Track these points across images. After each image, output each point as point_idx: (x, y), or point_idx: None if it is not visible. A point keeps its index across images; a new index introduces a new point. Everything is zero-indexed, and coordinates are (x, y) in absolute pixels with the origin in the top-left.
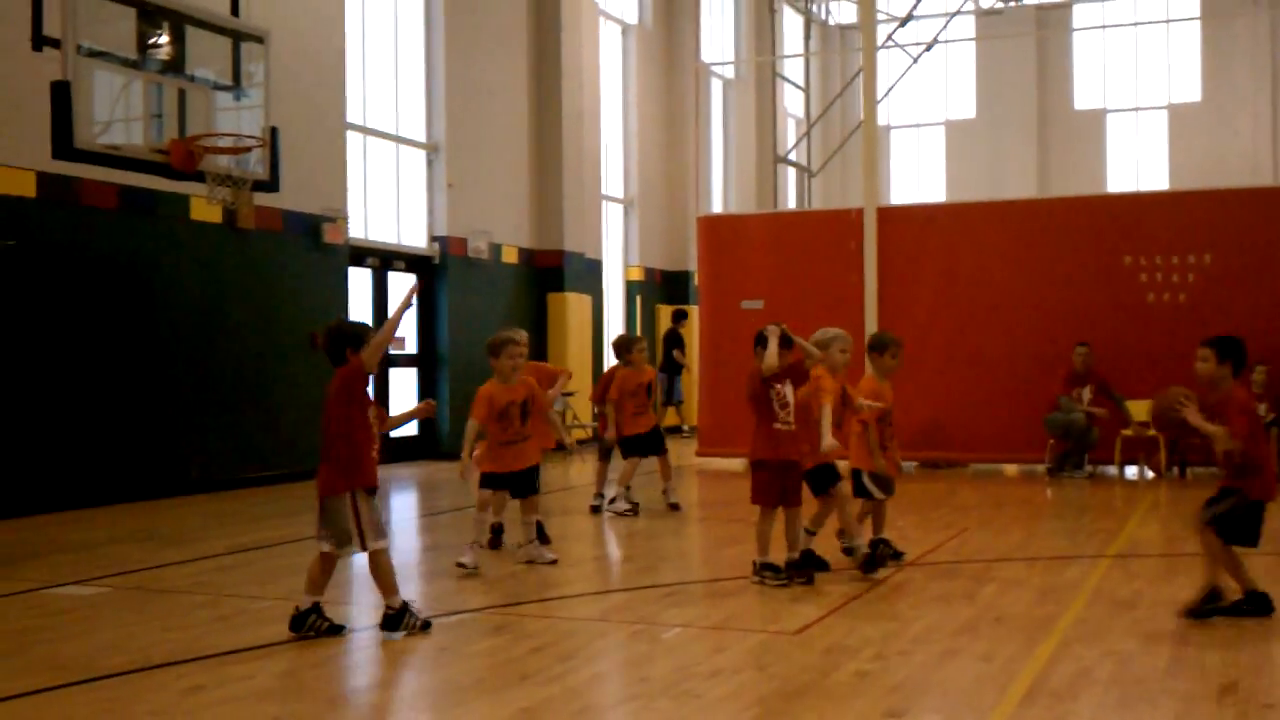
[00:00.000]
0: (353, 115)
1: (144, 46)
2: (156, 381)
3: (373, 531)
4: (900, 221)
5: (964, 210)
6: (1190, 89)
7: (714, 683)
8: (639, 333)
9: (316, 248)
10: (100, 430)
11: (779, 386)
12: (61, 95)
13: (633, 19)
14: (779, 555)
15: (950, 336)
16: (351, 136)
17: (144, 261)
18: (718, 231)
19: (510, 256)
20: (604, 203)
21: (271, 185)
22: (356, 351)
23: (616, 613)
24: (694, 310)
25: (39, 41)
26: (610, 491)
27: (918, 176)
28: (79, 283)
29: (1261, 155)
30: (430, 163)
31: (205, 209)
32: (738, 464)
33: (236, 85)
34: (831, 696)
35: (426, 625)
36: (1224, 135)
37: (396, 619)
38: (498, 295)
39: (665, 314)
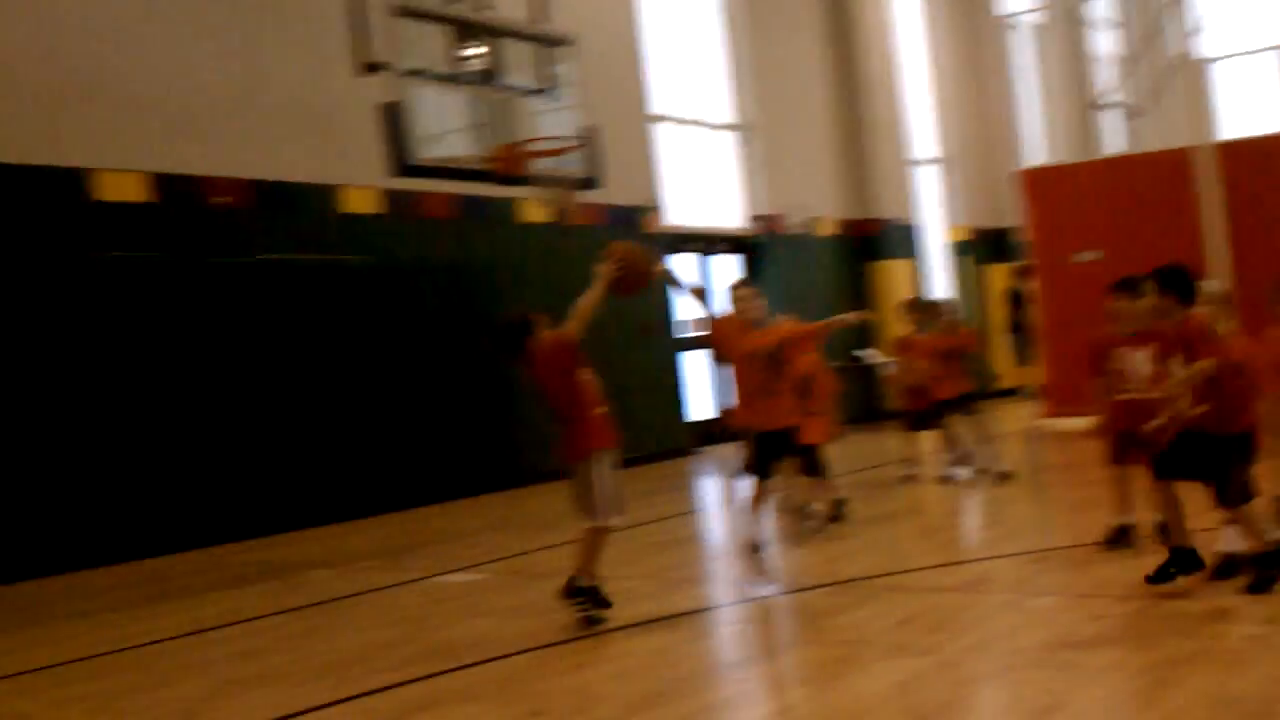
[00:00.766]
0: (660, 104)
1: (459, 60)
2: (504, 378)
3: (606, 506)
4: (1244, 155)
5: None
6: None
7: (1093, 653)
8: (968, 292)
9: (639, 238)
10: (462, 426)
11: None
12: (393, 116)
13: None
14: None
15: None
16: (663, 126)
17: (482, 266)
18: (1041, 184)
19: (827, 229)
20: (916, 165)
21: (593, 183)
22: (531, 336)
23: (981, 583)
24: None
25: (366, 67)
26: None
27: (1262, 106)
28: (426, 290)
29: None
30: (741, 143)
31: (533, 210)
32: (1083, 425)
33: (549, 89)
34: (1224, 662)
35: (591, 620)
36: None
37: (577, 593)
38: (817, 269)
39: (992, 273)
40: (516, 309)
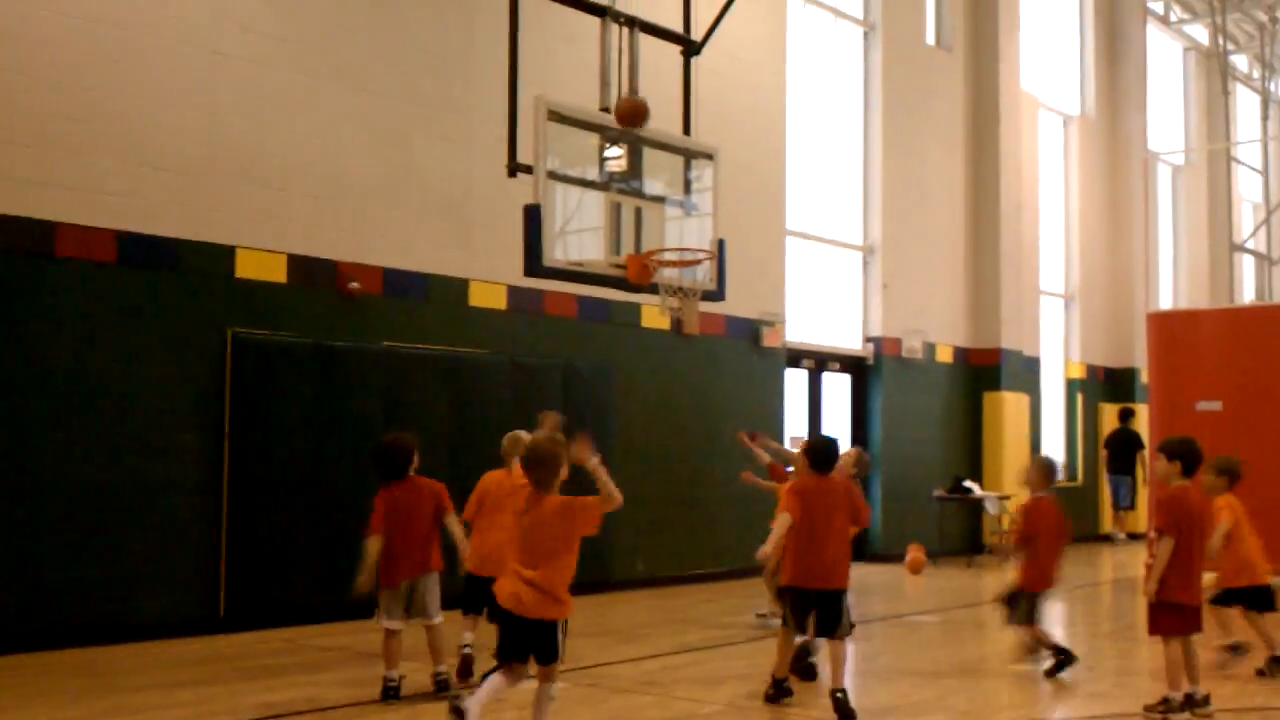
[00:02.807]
0: (793, 220)
1: (602, 164)
2: (613, 478)
3: None
4: None
5: None
6: None
7: None
8: (1080, 433)
9: (755, 351)
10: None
11: None
12: (533, 218)
13: (1074, 109)
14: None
15: None
16: (791, 241)
17: (601, 366)
18: (1170, 328)
19: (945, 355)
20: (1042, 298)
21: (718, 295)
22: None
23: None
24: (1141, 409)
25: (513, 169)
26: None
27: None
28: (542, 387)
29: None
30: (866, 264)
31: (655, 316)
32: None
33: (686, 199)
34: None
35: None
36: None
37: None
38: (932, 395)
39: (1108, 413)
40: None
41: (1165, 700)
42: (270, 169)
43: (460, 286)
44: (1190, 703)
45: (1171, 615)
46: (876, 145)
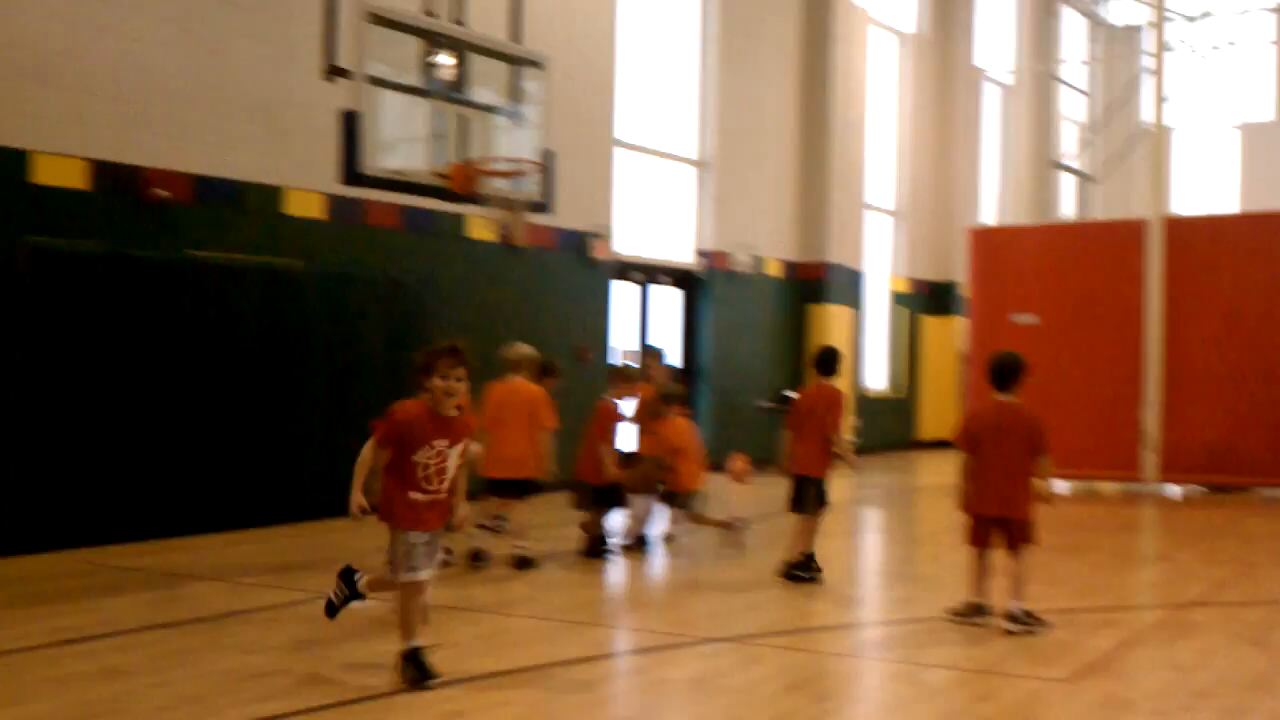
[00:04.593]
0: (624, 132)
1: (426, 70)
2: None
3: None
4: (1187, 232)
5: (1258, 221)
6: None
7: None
8: (903, 343)
9: (584, 263)
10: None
11: None
12: (351, 124)
13: (908, 28)
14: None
15: (1240, 353)
16: (620, 153)
17: (422, 279)
18: (990, 243)
19: (773, 269)
20: (870, 213)
21: (545, 207)
22: None
23: (876, 649)
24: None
25: (330, 71)
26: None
27: (1208, 184)
28: (363, 300)
29: None
30: (699, 178)
31: (481, 228)
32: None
33: (513, 108)
34: None
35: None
36: None
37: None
38: (759, 308)
39: (931, 325)
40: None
41: (965, 605)
42: (71, 69)
43: (275, 195)
44: (977, 611)
45: (970, 526)
46: (713, 60)
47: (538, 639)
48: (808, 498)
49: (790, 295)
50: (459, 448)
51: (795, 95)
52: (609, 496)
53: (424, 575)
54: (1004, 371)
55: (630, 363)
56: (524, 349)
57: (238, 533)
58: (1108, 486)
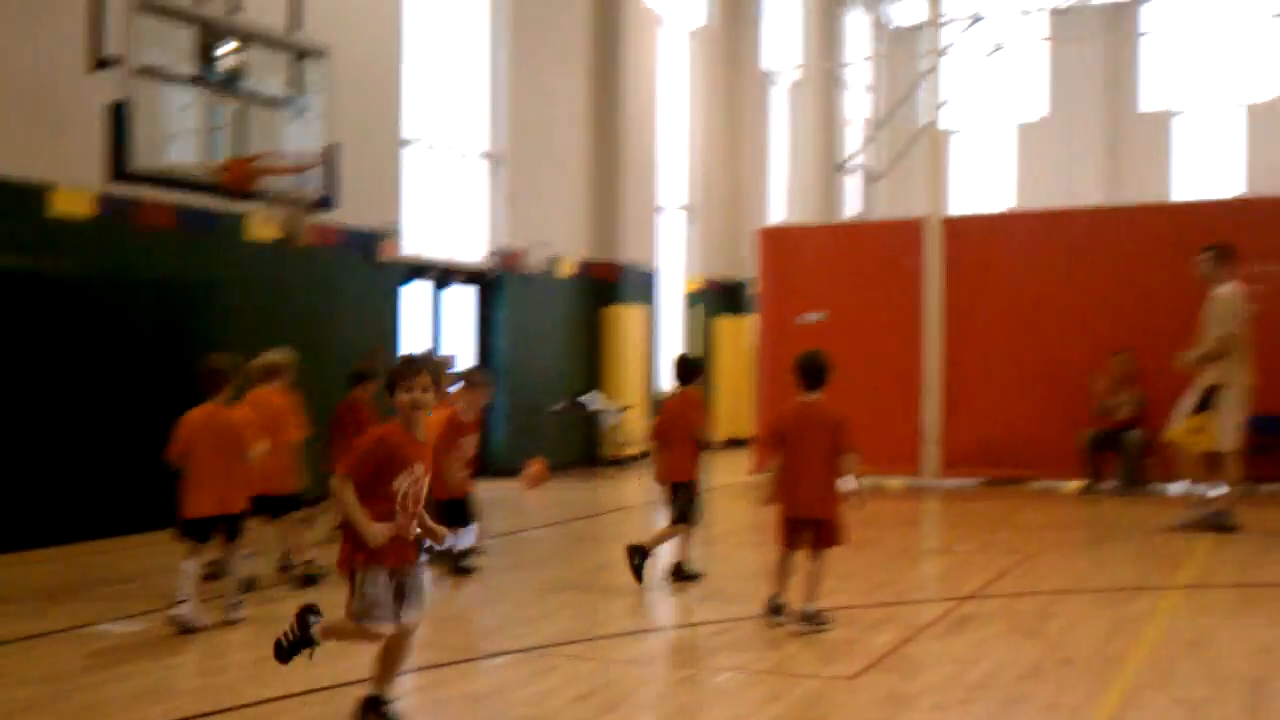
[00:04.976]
0: (411, 128)
1: (203, 60)
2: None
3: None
4: (964, 231)
5: (1030, 219)
6: (1269, 86)
7: None
8: (697, 342)
9: (371, 264)
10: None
11: None
12: (120, 117)
13: (696, 23)
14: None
15: (1014, 350)
16: (409, 149)
17: (201, 282)
18: (778, 243)
19: (567, 269)
20: (662, 212)
21: (329, 204)
22: None
23: (667, 654)
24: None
25: (98, 62)
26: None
27: (987, 182)
28: (136, 304)
29: None
30: (491, 174)
31: (261, 227)
32: None
33: (295, 100)
34: None
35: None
36: None
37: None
38: (555, 308)
39: (724, 325)
40: None
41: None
42: None
43: (38, 193)
44: (778, 609)
45: (781, 528)
46: (503, 54)
47: (314, 661)
48: (684, 504)
49: (585, 295)
50: (429, 474)
51: (587, 91)
52: (457, 511)
53: (402, 618)
54: (811, 371)
55: (473, 368)
56: (273, 356)
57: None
58: (893, 482)
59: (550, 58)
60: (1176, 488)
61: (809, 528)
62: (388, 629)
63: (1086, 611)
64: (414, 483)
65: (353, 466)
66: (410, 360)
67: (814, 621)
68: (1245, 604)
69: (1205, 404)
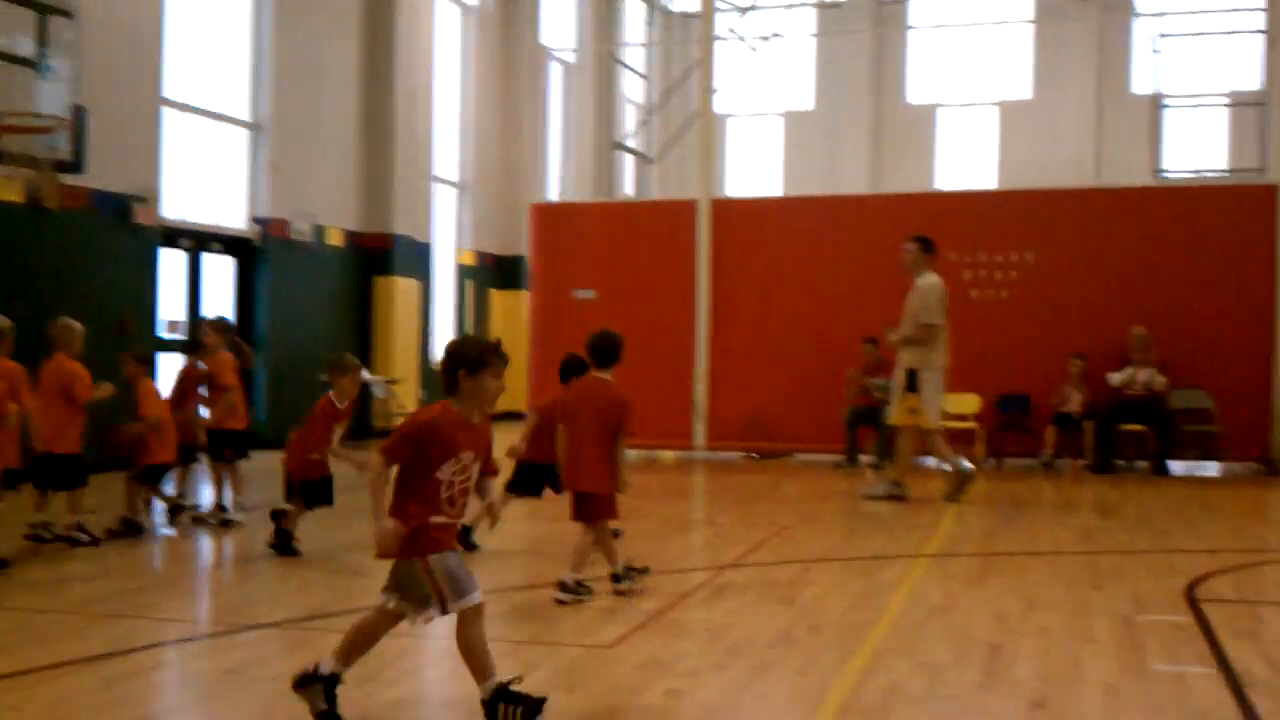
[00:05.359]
0: (171, 91)
1: None
2: None
3: None
4: (733, 214)
5: (795, 205)
6: (1023, 87)
7: None
8: (470, 316)
9: (126, 229)
10: None
11: None
12: None
13: (473, 0)
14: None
15: (780, 329)
16: (169, 114)
17: None
18: (551, 219)
19: (335, 238)
20: (437, 185)
21: (76, 166)
22: None
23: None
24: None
25: None
26: None
27: (757, 167)
28: None
29: (1085, 156)
30: (253, 141)
31: (5, 188)
32: None
33: (42, 59)
34: None
35: None
36: (1051, 134)
37: None
38: (322, 278)
39: (498, 298)
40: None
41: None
42: None
43: None
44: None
45: (570, 501)
46: (267, 17)
47: (60, 635)
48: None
49: (354, 266)
50: (479, 462)
51: (359, 62)
52: (318, 491)
53: (479, 595)
54: (602, 350)
55: (346, 354)
56: (66, 322)
57: None
58: (666, 454)
59: (321, 27)
60: (929, 461)
61: (583, 501)
62: (478, 595)
63: (838, 580)
64: (462, 472)
65: (390, 447)
66: (498, 348)
67: (574, 591)
68: (986, 572)
69: (912, 386)
